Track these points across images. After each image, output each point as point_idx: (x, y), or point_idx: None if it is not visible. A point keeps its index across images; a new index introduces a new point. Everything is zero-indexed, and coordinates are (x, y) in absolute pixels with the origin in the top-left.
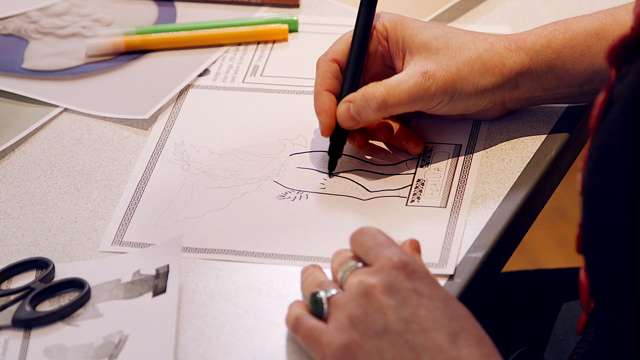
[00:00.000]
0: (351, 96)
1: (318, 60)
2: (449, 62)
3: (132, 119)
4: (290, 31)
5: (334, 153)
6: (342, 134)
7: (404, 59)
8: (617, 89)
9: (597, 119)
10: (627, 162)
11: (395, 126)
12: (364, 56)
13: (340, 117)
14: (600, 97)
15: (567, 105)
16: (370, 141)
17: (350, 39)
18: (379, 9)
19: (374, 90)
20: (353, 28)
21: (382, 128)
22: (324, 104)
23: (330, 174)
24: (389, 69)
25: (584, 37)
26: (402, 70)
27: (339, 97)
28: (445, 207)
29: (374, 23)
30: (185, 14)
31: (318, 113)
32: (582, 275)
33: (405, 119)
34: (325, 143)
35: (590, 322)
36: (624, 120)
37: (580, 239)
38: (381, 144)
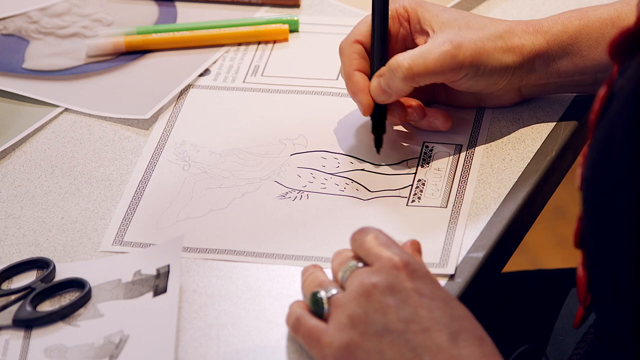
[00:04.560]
0: (380, 70)
1: (341, 45)
2: (474, 37)
3: (133, 119)
4: (291, 31)
5: (378, 130)
6: (381, 110)
7: (427, 36)
8: (619, 83)
9: (598, 113)
10: (629, 154)
11: (415, 100)
12: (387, 31)
13: (373, 92)
14: (602, 92)
15: (567, 105)
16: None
17: (370, 20)
18: None
19: (399, 59)
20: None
21: (414, 107)
22: (358, 83)
23: (378, 151)
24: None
25: (599, 25)
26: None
27: (369, 75)
28: (446, 207)
29: (393, 6)
30: (186, 14)
31: (354, 94)
32: (580, 270)
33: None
34: (324, 143)
35: (587, 316)
36: (626, 113)
37: (580, 233)
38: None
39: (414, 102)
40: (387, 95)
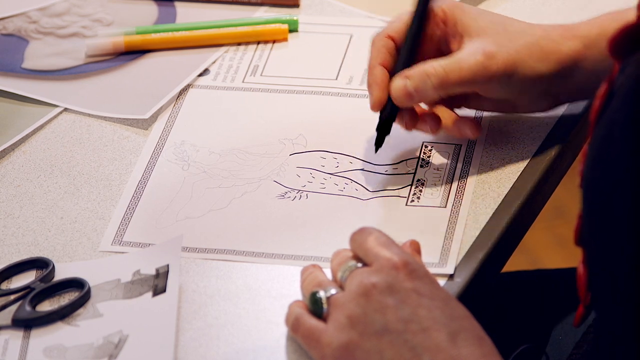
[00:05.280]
0: (408, 71)
1: (373, 37)
2: (508, 45)
3: (132, 119)
4: (290, 31)
5: (383, 130)
6: (393, 110)
7: (461, 41)
8: (619, 80)
9: (598, 111)
10: (627, 152)
11: (449, 113)
12: (421, 33)
13: (395, 92)
14: (602, 89)
15: (567, 105)
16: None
17: (407, 18)
18: (378, 9)
19: (435, 66)
20: (411, 7)
21: (429, 117)
22: (376, 77)
23: (376, 150)
24: (443, 54)
25: None
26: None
27: (392, 72)
28: (445, 207)
29: (432, 7)
30: (185, 13)
31: (369, 85)
32: (580, 268)
33: (450, 109)
34: (324, 143)
35: (587, 314)
36: (625, 111)
37: (580, 230)
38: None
39: (430, 111)
40: (410, 99)
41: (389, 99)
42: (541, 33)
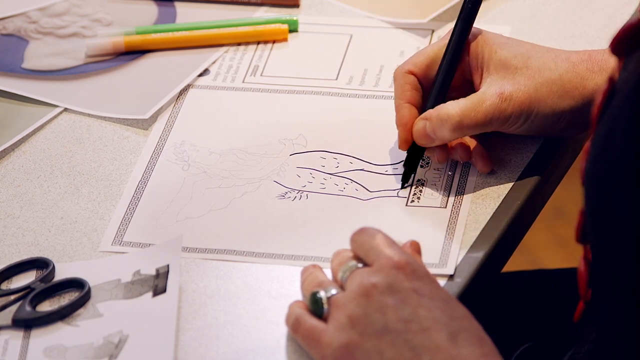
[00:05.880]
0: (428, 114)
1: (395, 72)
2: (527, 83)
3: (132, 119)
4: (290, 31)
5: (410, 166)
6: (419, 148)
7: (482, 75)
8: (621, 78)
9: (600, 108)
10: (629, 149)
11: (472, 142)
12: (454, 73)
13: (415, 134)
14: (604, 87)
15: None
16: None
17: (430, 53)
18: (378, 9)
19: (450, 110)
20: (441, 41)
21: (459, 147)
22: (403, 117)
23: (403, 185)
24: (468, 83)
25: None
26: (479, 87)
27: (421, 110)
28: (445, 207)
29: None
30: (185, 14)
31: (397, 125)
32: (581, 265)
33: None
34: (324, 143)
35: (587, 310)
36: (629, 107)
37: (581, 227)
38: (379, 145)
39: (460, 142)
40: (430, 141)
41: (413, 142)
42: (566, 67)
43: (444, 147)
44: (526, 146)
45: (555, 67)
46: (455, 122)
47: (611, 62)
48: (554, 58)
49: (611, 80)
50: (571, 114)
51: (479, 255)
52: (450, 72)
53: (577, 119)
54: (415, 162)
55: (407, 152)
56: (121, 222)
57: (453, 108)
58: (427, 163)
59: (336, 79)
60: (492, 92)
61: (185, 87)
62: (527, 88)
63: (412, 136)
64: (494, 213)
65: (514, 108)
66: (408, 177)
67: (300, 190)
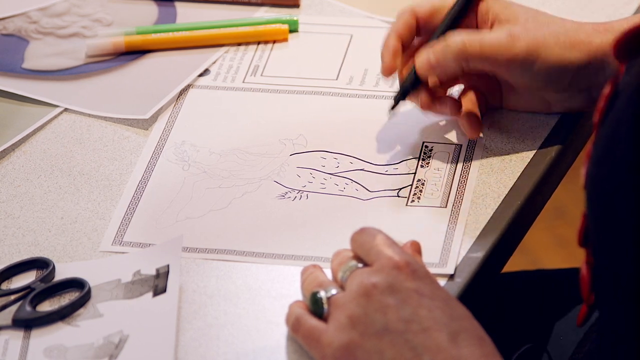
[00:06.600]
0: (432, 43)
1: (401, 9)
2: (535, 30)
3: (133, 119)
4: (291, 31)
5: (400, 97)
6: (415, 81)
7: (491, 27)
8: (624, 81)
9: (603, 111)
10: (632, 152)
11: (467, 102)
12: (461, 19)
13: (418, 63)
14: (606, 90)
15: None
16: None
17: (435, 2)
18: (378, 9)
19: (456, 37)
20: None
21: (449, 99)
22: (388, 44)
23: (393, 107)
24: None
25: None
26: None
27: (414, 46)
28: (446, 207)
29: None
30: (186, 14)
31: (382, 52)
32: (584, 269)
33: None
34: (324, 143)
35: (590, 314)
36: (630, 110)
37: (584, 231)
38: (379, 145)
39: (450, 98)
40: (432, 69)
41: (414, 69)
42: (572, 25)
43: (431, 94)
44: (526, 146)
45: (562, 23)
46: (459, 48)
47: (615, 25)
48: (560, 18)
49: (614, 84)
50: (576, 69)
51: (479, 255)
52: (458, 17)
53: (580, 80)
54: (405, 92)
55: (400, 85)
56: (121, 222)
57: (459, 34)
58: (427, 163)
59: (336, 79)
60: (502, 30)
61: (185, 87)
62: (535, 33)
63: (394, 65)
64: (494, 213)
65: (521, 48)
66: (397, 102)
67: (300, 190)
